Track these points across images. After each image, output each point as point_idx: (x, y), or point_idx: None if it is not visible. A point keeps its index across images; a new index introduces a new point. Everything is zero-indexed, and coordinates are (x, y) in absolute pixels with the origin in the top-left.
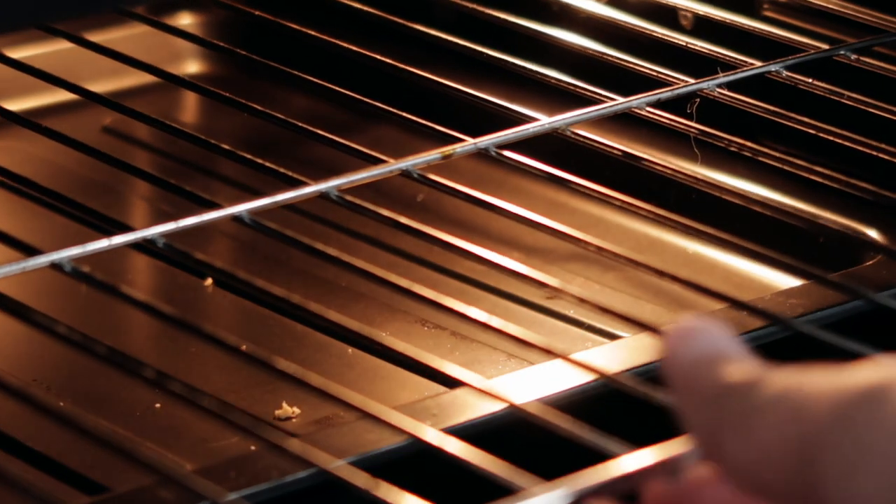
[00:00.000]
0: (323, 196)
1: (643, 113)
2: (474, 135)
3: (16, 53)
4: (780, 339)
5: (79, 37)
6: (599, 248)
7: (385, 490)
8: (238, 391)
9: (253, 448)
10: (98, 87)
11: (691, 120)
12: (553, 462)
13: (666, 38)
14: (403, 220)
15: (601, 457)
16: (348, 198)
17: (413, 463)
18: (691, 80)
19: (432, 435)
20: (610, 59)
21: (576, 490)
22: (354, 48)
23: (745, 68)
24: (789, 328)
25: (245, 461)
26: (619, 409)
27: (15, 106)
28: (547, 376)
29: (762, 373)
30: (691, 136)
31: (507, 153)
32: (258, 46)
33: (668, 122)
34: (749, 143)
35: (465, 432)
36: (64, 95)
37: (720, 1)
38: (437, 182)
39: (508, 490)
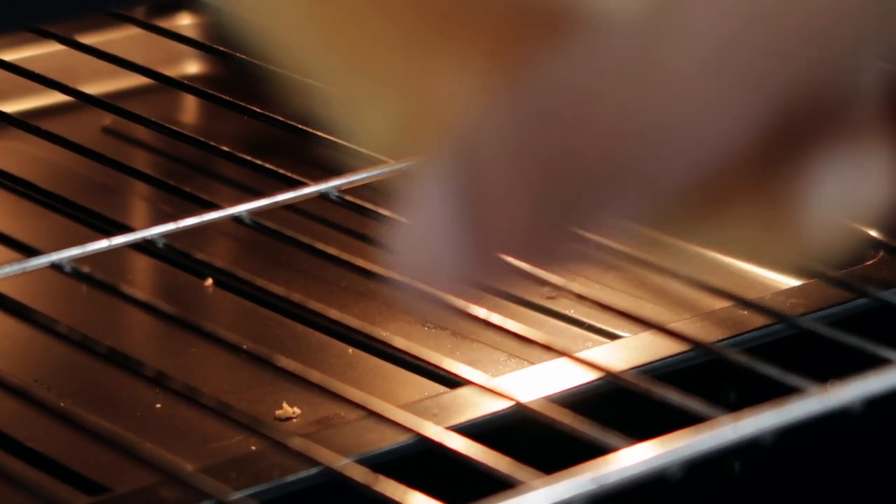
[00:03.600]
0: (323, 196)
1: None
2: None
3: (16, 54)
4: (784, 338)
5: (72, 40)
6: (599, 245)
7: (387, 486)
8: (238, 391)
9: (254, 448)
10: (98, 88)
11: None
12: (556, 460)
13: None
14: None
15: (604, 453)
16: (348, 198)
17: (415, 462)
18: None
19: (436, 432)
20: None
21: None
22: None
23: None
24: (794, 326)
25: (246, 461)
26: (624, 406)
27: (15, 107)
28: (551, 375)
29: None
30: None
31: None
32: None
33: None
34: None
35: (467, 431)
36: (64, 96)
37: None
38: None
39: (511, 486)
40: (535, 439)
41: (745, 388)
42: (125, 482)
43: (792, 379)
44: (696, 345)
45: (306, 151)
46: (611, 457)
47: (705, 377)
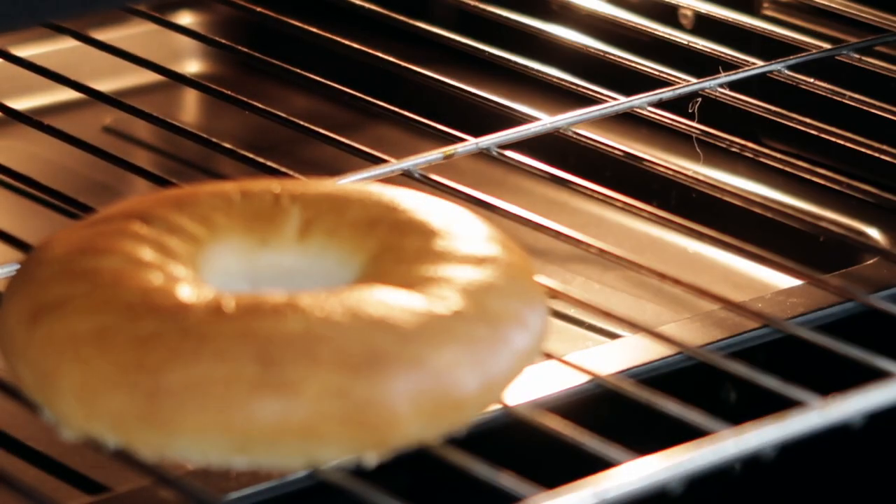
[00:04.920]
0: None
1: (645, 113)
2: (475, 134)
3: (14, 53)
4: (777, 340)
5: (85, 35)
6: (601, 251)
7: (376, 492)
8: None
9: None
10: (97, 87)
11: (693, 120)
12: (544, 465)
13: (667, 36)
14: None
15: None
16: None
17: (410, 469)
18: (693, 80)
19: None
20: (611, 57)
21: None
22: (356, 46)
23: (746, 68)
24: (781, 330)
25: None
26: (621, 409)
27: (15, 105)
28: (539, 378)
29: None
30: (693, 137)
31: (508, 153)
32: (259, 45)
33: (669, 122)
34: (750, 145)
35: (464, 441)
36: (64, 95)
37: (720, 0)
38: (439, 182)
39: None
40: (524, 446)
41: (746, 385)
42: (125, 482)
43: (791, 391)
44: (687, 350)
45: (308, 150)
46: (612, 471)
47: (705, 375)
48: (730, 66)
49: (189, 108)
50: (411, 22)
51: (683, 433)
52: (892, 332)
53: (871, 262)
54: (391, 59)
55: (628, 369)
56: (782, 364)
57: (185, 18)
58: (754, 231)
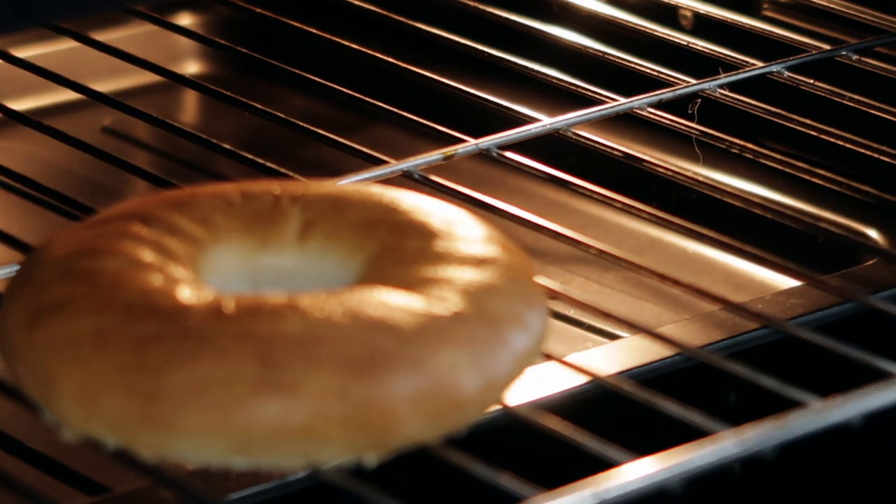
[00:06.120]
0: None
1: (644, 113)
2: (475, 135)
3: (14, 53)
4: (777, 341)
5: (84, 35)
6: (601, 252)
7: (375, 492)
8: None
9: None
10: (97, 88)
11: (692, 121)
12: (540, 463)
13: (667, 37)
14: None
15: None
16: None
17: (408, 468)
18: (693, 81)
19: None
20: (611, 58)
21: None
22: (355, 46)
23: (746, 69)
24: (782, 331)
25: None
26: (620, 409)
27: (15, 106)
28: (540, 378)
29: None
30: (693, 138)
31: (508, 154)
32: (259, 46)
33: (669, 122)
34: (750, 146)
35: (463, 441)
36: (63, 96)
37: (720, 0)
38: (439, 183)
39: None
40: (524, 446)
41: (746, 386)
42: (124, 482)
43: (791, 391)
44: (687, 351)
45: (307, 151)
46: (612, 471)
47: (705, 376)
48: (729, 66)
49: (188, 109)
50: (411, 22)
51: (683, 433)
52: (892, 333)
53: (870, 262)
54: (391, 59)
55: (628, 370)
56: (782, 365)
57: (185, 19)
58: (754, 232)
